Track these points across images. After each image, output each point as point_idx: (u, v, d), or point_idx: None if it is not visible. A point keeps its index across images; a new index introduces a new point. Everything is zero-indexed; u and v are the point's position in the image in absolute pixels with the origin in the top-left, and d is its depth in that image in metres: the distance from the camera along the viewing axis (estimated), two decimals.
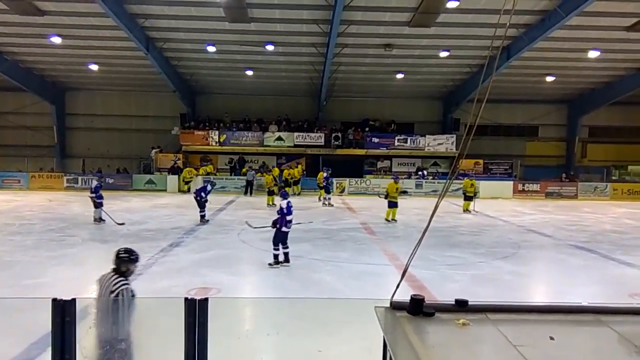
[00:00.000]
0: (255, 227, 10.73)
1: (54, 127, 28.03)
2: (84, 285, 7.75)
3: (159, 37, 20.36)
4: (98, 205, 13.91)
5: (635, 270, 9.25)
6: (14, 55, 22.90)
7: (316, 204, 19.57)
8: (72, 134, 29.02)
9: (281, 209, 8.93)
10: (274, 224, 8.94)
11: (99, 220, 13.81)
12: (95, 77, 25.91)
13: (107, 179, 25.07)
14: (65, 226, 13.21)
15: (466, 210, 18.02)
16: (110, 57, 22.69)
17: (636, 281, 8.55)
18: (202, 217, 14.13)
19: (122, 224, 13.27)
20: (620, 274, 9.10)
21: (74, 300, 2.44)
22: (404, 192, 18.82)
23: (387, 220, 14.95)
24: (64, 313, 2.43)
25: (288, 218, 8.92)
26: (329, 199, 19.76)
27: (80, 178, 25.26)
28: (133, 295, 4.06)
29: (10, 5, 17.08)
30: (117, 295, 3.95)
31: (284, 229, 8.87)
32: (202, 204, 14.07)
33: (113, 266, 4.15)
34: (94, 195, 13.96)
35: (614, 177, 28.14)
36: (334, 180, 23.56)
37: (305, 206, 18.42)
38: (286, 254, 8.94)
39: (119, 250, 4.31)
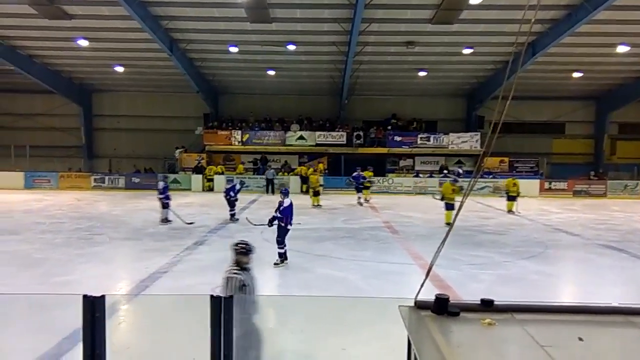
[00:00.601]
0: (255, 225, 10.99)
1: (82, 128, 28.73)
2: (112, 282, 7.95)
3: (182, 38, 20.64)
4: (166, 206, 13.78)
5: None
6: (43, 58, 23.54)
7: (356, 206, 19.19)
8: (98, 135, 29.68)
9: (284, 207, 8.95)
10: (271, 222, 9.06)
11: (165, 220, 13.63)
12: (120, 78, 26.45)
13: (132, 178, 25.60)
14: (92, 225, 13.51)
15: (510, 211, 17.27)
16: (135, 58, 23.13)
17: None
18: (232, 215, 14.25)
19: (192, 223, 13.37)
20: None
21: (103, 296, 2.51)
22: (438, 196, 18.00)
23: (447, 224, 13.60)
24: (94, 309, 2.50)
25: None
26: (360, 198, 19.61)
27: (107, 178, 25.81)
28: (244, 285, 4.22)
29: (39, 9, 17.56)
30: (226, 282, 4.24)
31: (288, 226, 8.97)
32: (231, 203, 14.19)
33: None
34: (162, 196, 13.82)
35: None
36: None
37: (333, 205, 18.41)
38: (283, 253, 9.01)
39: (234, 243, 4.55)
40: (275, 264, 8.82)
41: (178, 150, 27.28)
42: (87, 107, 28.98)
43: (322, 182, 20.19)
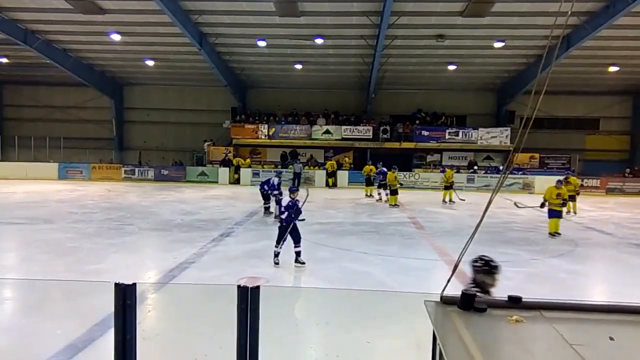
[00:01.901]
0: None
1: (113, 120, 29.45)
2: (141, 271, 8.13)
3: (212, 32, 20.86)
4: (278, 202, 13.78)
5: None
6: (77, 52, 24.16)
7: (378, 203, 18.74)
8: (129, 127, 30.36)
9: (294, 203, 8.56)
10: (290, 220, 8.43)
11: (277, 216, 13.56)
12: (151, 72, 26.95)
13: (161, 170, 26.11)
14: (123, 215, 13.84)
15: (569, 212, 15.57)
16: (165, 52, 23.50)
17: None
18: (266, 209, 14.16)
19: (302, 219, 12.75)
20: None
21: (134, 284, 2.57)
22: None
23: (551, 234, 11.82)
24: (125, 296, 2.57)
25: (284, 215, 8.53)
26: (379, 194, 19.04)
27: (136, 169, 26.39)
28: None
29: (74, 4, 18.00)
30: None
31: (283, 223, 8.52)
32: (266, 196, 14.15)
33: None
34: (277, 192, 13.55)
35: None
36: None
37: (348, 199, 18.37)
38: (278, 254, 8.46)
39: (473, 259, 3.67)
40: (302, 264, 8.34)
41: (206, 144, 27.68)
42: (119, 100, 29.67)
43: (400, 181, 18.65)
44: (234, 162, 25.97)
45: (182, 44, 21.16)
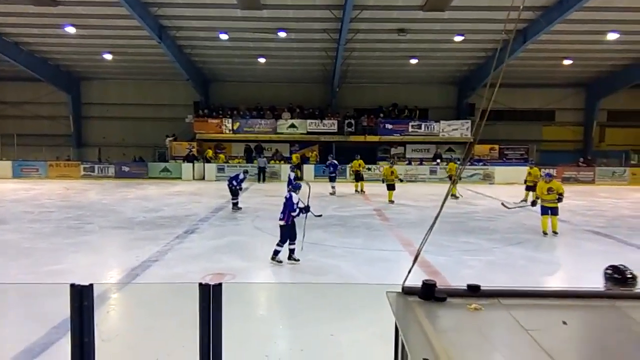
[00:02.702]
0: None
1: (70, 116, 28.44)
2: (103, 270, 7.92)
3: (172, 25, 20.39)
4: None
5: None
6: (29, 45, 23.16)
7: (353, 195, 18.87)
8: (87, 123, 29.39)
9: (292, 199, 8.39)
10: (294, 217, 8.24)
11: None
12: (109, 66, 26.14)
13: (122, 167, 25.45)
14: (82, 214, 13.42)
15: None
16: (124, 46, 22.83)
17: None
18: (235, 204, 14.18)
19: (320, 215, 11.38)
20: (638, 259, 8.98)
21: (91, 285, 2.49)
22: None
23: (545, 233, 10.91)
24: (82, 298, 2.48)
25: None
26: (333, 187, 18.62)
27: (96, 166, 25.63)
28: None
29: None
30: None
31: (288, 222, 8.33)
32: (235, 192, 14.13)
33: None
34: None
35: (632, 162, 27.59)
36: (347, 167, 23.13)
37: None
38: (279, 252, 8.30)
39: (607, 267, 3.45)
40: (296, 260, 8.22)
41: (168, 139, 27.13)
42: (76, 95, 28.65)
43: (398, 176, 17.38)
44: (209, 154, 25.56)
45: (141, 37, 20.60)
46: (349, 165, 21.92)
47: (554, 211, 10.82)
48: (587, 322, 2.01)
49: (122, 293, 6.66)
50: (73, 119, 28.49)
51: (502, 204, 12.61)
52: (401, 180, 16.85)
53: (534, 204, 11.35)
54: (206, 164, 25.28)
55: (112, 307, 5.60)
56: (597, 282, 3.71)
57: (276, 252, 8.19)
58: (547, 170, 13.22)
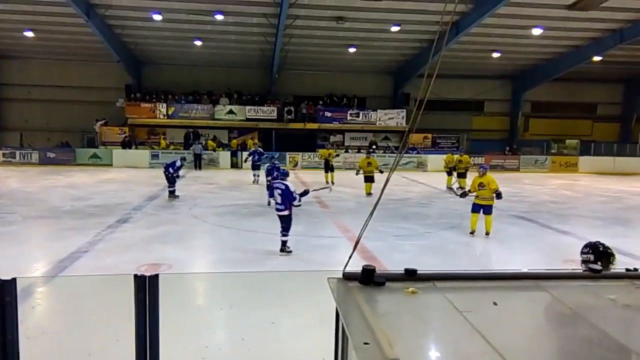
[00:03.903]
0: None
1: None
2: (27, 263, 7.45)
3: (100, 3, 19.27)
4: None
5: (569, 237, 9.84)
6: None
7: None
8: (7, 106, 27.29)
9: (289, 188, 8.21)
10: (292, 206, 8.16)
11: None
12: (31, 44, 24.29)
13: (47, 153, 23.94)
14: (2, 203, 12.53)
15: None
16: (47, 23, 21.27)
17: (570, 248, 9.05)
18: (172, 192, 13.69)
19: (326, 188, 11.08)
20: (557, 241, 9.67)
21: (14, 279, 2.33)
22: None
23: (471, 233, 9.90)
24: (3, 293, 2.32)
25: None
26: (257, 176, 17.51)
27: (17, 152, 23.94)
28: None
29: None
30: None
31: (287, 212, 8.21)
32: (171, 179, 13.63)
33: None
34: (270, 178, 12.36)
35: (553, 151, 29.59)
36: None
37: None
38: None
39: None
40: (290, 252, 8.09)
41: (98, 123, 25.75)
42: None
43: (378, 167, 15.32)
44: (163, 144, 24.74)
45: (67, 14, 19.30)
46: (318, 153, 20.71)
47: (487, 210, 9.61)
48: (515, 302, 2.14)
49: (49, 287, 6.30)
50: None
51: (451, 188, 11.79)
52: (381, 172, 14.46)
53: (463, 195, 10.29)
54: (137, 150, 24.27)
55: (37, 302, 5.28)
56: (522, 264, 3.95)
57: (284, 243, 8.10)
58: (482, 163, 13.14)
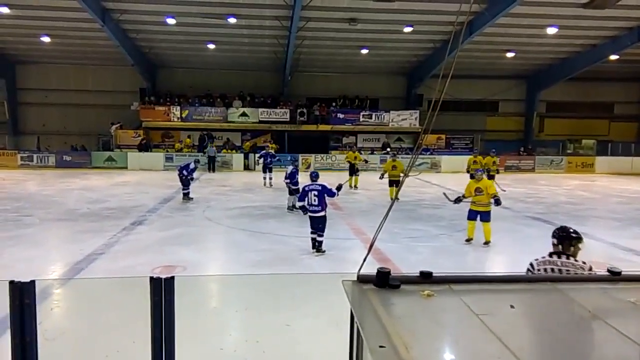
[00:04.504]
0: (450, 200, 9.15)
1: (5, 102, 26.71)
2: (44, 265, 7.55)
3: (115, 8, 19.50)
4: (294, 192, 11.72)
5: (587, 239, 9.50)
6: None
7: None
8: (25, 110, 27.75)
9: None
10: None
11: (293, 208, 11.89)
12: (48, 49, 24.72)
13: (64, 156, 24.29)
14: (20, 206, 12.72)
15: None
16: (63, 28, 21.63)
17: (588, 250, 8.93)
18: (186, 194, 13.79)
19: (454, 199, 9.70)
20: None
21: (33, 282, 2.36)
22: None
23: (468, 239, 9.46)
24: (22, 295, 2.35)
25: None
26: (268, 178, 17.64)
27: (35, 156, 24.32)
28: None
29: None
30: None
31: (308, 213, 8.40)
32: (186, 182, 13.73)
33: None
34: (288, 181, 12.39)
35: (569, 151, 29.22)
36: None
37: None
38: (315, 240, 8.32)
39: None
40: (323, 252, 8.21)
41: (114, 126, 26.06)
42: (11, 79, 26.96)
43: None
44: (247, 147, 24.94)
45: (83, 19, 19.58)
46: (345, 156, 19.92)
47: (485, 217, 9.06)
48: (533, 305, 2.11)
49: (66, 289, 6.38)
50: (8, 105, 26.79)
51: (444, 194, 11.45)
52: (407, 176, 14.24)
53: (457, 200, 9.24)
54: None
55: (55, 304, 5.35)
56: None
57: (321, 243, 8.21)
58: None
